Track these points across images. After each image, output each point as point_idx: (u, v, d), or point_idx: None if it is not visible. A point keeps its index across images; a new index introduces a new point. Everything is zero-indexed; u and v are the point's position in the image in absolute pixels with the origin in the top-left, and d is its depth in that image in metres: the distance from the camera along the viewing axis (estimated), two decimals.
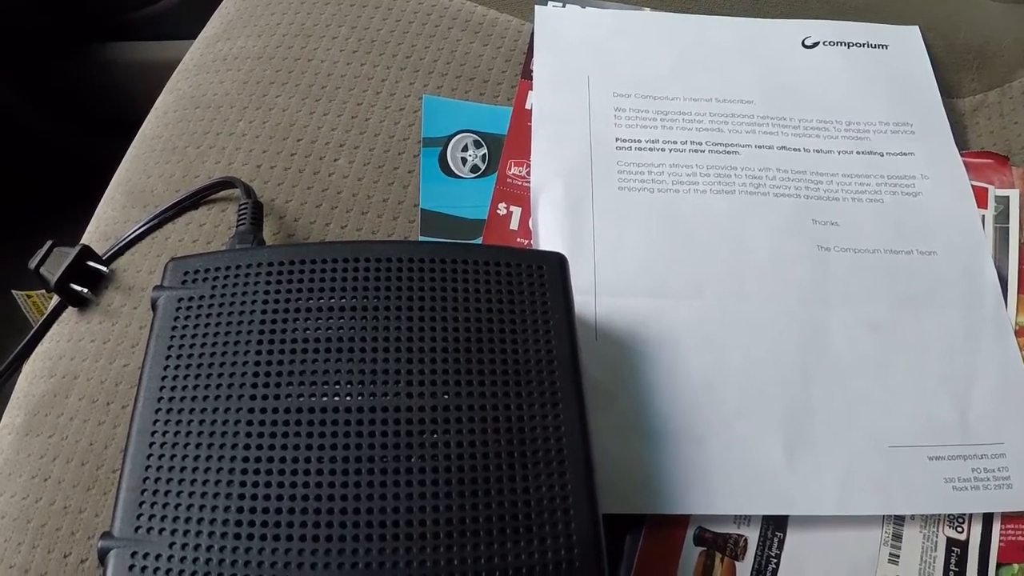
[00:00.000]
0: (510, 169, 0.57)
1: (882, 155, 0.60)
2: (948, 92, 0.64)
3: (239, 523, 0.37)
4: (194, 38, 0.67)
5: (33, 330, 0.53)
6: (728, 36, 0.65)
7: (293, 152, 0.57)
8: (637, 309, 0.52)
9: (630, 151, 0.58)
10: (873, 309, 0.54)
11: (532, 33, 0.63)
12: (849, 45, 0.65)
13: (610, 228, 0.55)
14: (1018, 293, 0.56)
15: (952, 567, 0.47)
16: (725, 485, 0.48)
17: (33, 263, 0.52)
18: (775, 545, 0.47)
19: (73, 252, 0.52)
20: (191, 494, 0.37)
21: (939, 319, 0.54)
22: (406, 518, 0.37)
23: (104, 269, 0.53)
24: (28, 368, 0.52)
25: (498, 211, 0.56)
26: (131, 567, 0.36)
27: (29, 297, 0.58)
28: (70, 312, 0.53)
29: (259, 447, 0.38)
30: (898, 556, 0.47)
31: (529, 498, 0.38)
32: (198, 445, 0.39)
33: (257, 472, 0.38)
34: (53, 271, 0.51)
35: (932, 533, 0.48)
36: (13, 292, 0.58)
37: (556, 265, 0.45)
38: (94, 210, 0.58)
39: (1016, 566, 0.48)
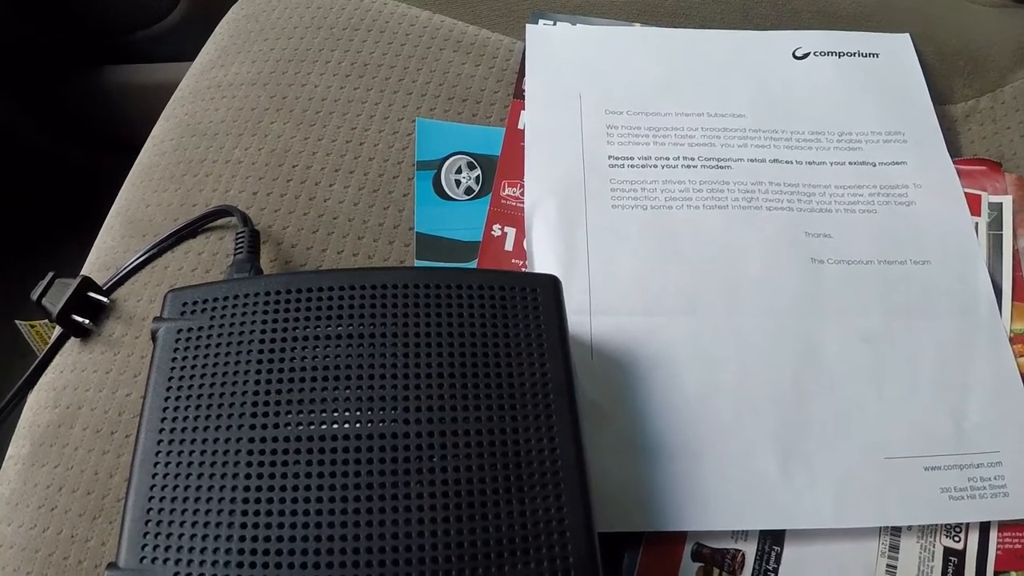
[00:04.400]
0: (504, 190, 0.58)
1: (874, 165, 0.60)
2: (940, 99, 0.65)
3: (241, 551, 0.37)
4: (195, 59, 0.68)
5: (37, 361, 0.54)
6: (719, 49, 0.65)
7: (289, 178, 0.57)
8: (632, 327, 0.52)
9: (623, 168, 0.58)
10: (867, 320, 0.54)
11: (523, 52, 0.64)
12: (840, 55, 0.65)
13: (604, 247, 0.55)
14: (1012, 300, 0.56)
15: None
16: (722, 500, 0.48)
17: (35, 295, 0.53)
18: (773, 559, 0.47)
19: (74, 284, 0.53)
20: (194, 523, 0.38)
21: (933, 328, 0.54)
22: (405, 543, 0.38)
23: (105, 300, 0.53)
24: (33, 398, 0.53)
25: (493, 232, 0.56)
26: None
27: (33, 327, 0.58)
28: (73, 342, 0.53)
29: (260, 475, 0.39)
30: (896, 567, 0.47)
31: (525, 520, 0.39)
32: (200, 475, 0.39)
33: (258, 500, 0.38)
34: (55, 303, 0.52)
35: (929, 543, 0.48)
36: (17, 322, 0.58)
37: (550, 288, 0.46)
38: (96, 231, 0.59)
39: (1014, 574, 0.48)
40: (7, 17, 0.96)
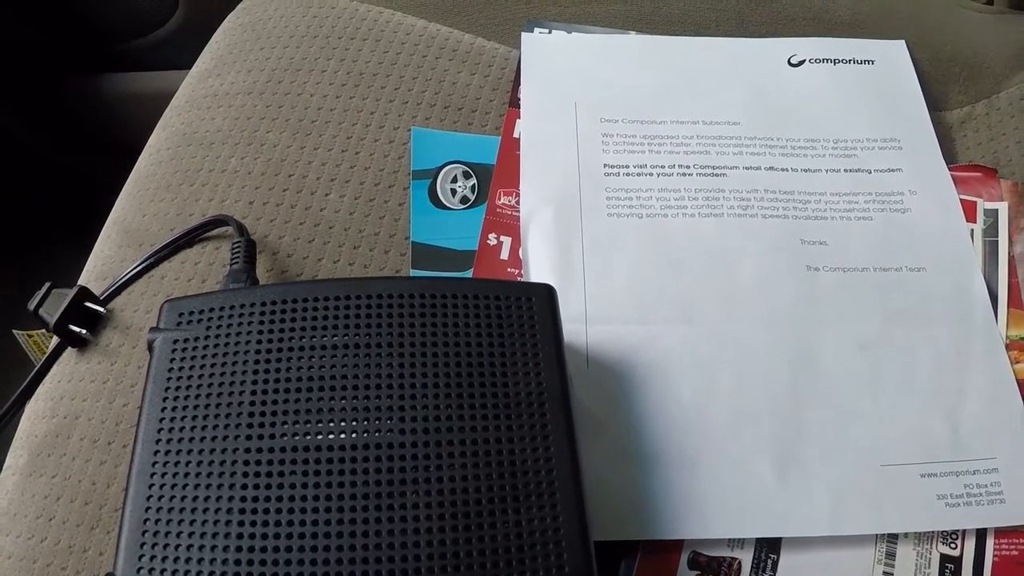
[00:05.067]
0: (499, 199, 0.58)
1: (870, 172, 0.60)
2: (935, 105, 0.65)
3: (238, 561, 0.37)
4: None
5: (34, 371, 0.54)
6: (714, 57, 0.65)
7: (285, 188, 0.57)
8: (628, 336, 0.52)
9: (618, 177, 0.58)
10: (863, 327, 0.54)
11: (519, 60, 0.64)
12: (835, 62, 0.65)
13: (599, 255, 0.55)
14: (1008, 307, 0.56)
15: None
16: (718, 509, 0.48)
17: (32, 304, 0.53)
18: (769, 567, 0.47)
19: (71, 293, 0.53)
20: (191, 534, 0.38)
21: (929, 335, 0.54)
22: (400, 553, 0.38)
23: (101, 310, 0.53)
24: (30, 408, 0.53)
25: (488, 241, 0.56)
26: None
27: (30, 337, 0.58)
28: (70, 352, 0.54)
29: (256, 486, 0.39)
30: (892, 574, 0.47)
31: (521, 530, 0.39)
32: (196, 485, 0.39)
33: (255, 511, 0.38)
34: (52, 313, 0.52)
35: (926, 550, 0.48)
36: (14, 332, 0.58)
37: (545, 297, 0.46)
38: (94, 237, 0.59)
39: None
40: (6, 22, 0.96)
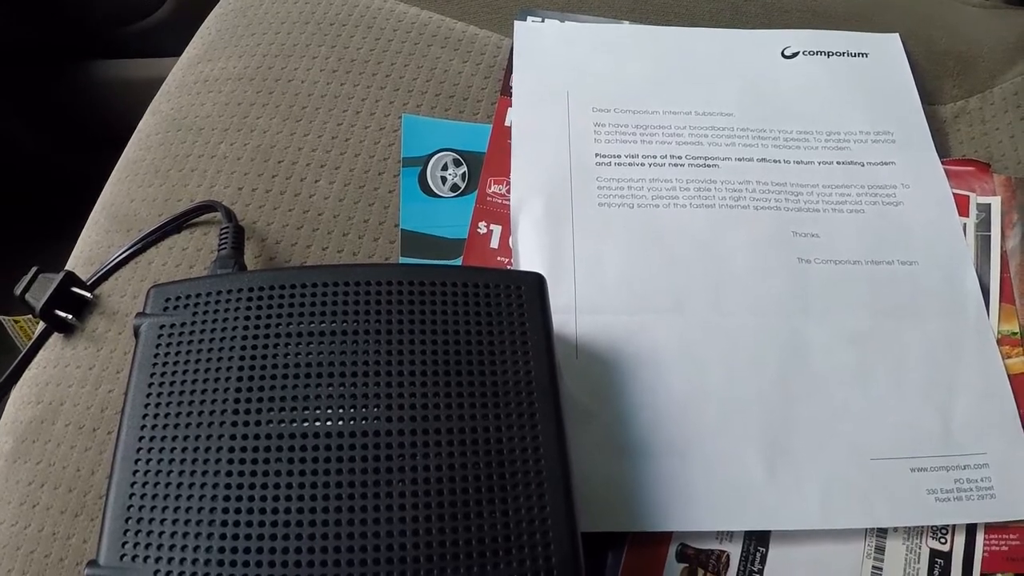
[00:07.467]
0: (490, 187, 0.57)
1: (863, 165, 0.60)
2: (929, 99, 0.65)
3: (222, 549, 0.37)
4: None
5: (20, 356, 0.53)
6: (708, 48, 0.65)
7: (274, 174, 0.57)
8: (618, 326, 0.52)
9: (610, 166, 0.58)
10: (854, 321, 0.54)
11: (511, 49, 0.64)
12: (829, 54, 0.65)
13: (590, 245, 0.55)
14: (1000, 302, 0.56)
15: None
16: (707, 501, 0.48)
17: (18, 290, 0.52)
18: (757, 560, 0.47)
19: (57, 278, 0.52)
20: (175, 521, 0.38)
21: (921, 329, 0.54)
22: (387, 541, 0.37)
23: (88, 295, 0.53)
24: (15, 394, 0.53)
25: (478, 230, 0.56)
26: None
27: (16, 322, 0.58)
28: (56, 338, 0.53)
29: (241, 472, 0.39)
30: (881, 568, 0.47)
31: (508, 519, 0.39)
32: (181, 472, 0.39)
33: (240, 498, 0.38)
34: (38, 298, 0.52)
35: (915, 545, 0.48)
36: (0, 317, 0.58)
37: (535, 285, 0.45)
38: (81, 227, 0.59)
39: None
40: None
